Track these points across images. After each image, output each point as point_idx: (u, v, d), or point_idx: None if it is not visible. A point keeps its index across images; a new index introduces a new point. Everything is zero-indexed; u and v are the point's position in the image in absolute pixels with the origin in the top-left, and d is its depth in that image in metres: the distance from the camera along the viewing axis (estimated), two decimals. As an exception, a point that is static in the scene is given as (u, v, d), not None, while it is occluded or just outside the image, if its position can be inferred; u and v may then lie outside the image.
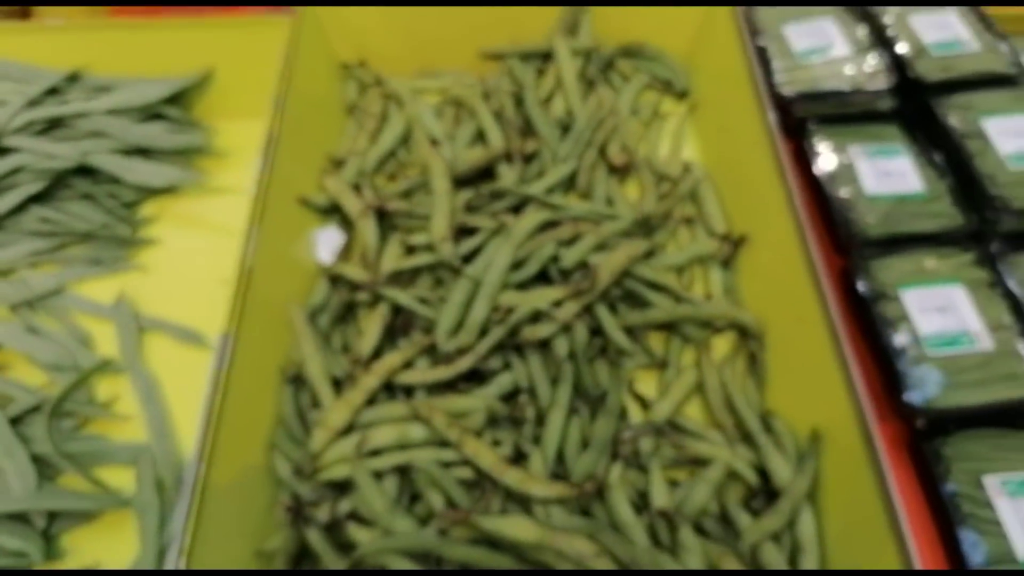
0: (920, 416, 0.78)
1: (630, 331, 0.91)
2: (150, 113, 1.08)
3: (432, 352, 0.87)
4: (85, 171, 1.03)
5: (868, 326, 0.86)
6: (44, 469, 0.81)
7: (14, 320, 0.93)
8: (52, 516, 0.79)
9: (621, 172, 1.07)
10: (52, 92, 1.07)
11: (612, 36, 1.18)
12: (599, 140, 1.07)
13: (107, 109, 1.05)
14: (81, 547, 0.80)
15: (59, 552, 0.78)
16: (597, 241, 0.93)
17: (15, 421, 0.83)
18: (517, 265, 0.92)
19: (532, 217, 0.94)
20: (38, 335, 0.91)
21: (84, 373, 0.88)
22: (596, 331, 0.90)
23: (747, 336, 0.92)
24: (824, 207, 0.96)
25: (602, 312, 0.89)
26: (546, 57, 1.16)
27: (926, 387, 0.78)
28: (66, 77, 1.08)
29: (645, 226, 0.99)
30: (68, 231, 1.00)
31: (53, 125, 1.04)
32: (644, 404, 0.88)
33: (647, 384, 0.90)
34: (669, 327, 0.94)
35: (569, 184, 1.04)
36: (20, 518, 0.78)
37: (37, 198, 1.01)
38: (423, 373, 0.85)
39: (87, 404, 0.87)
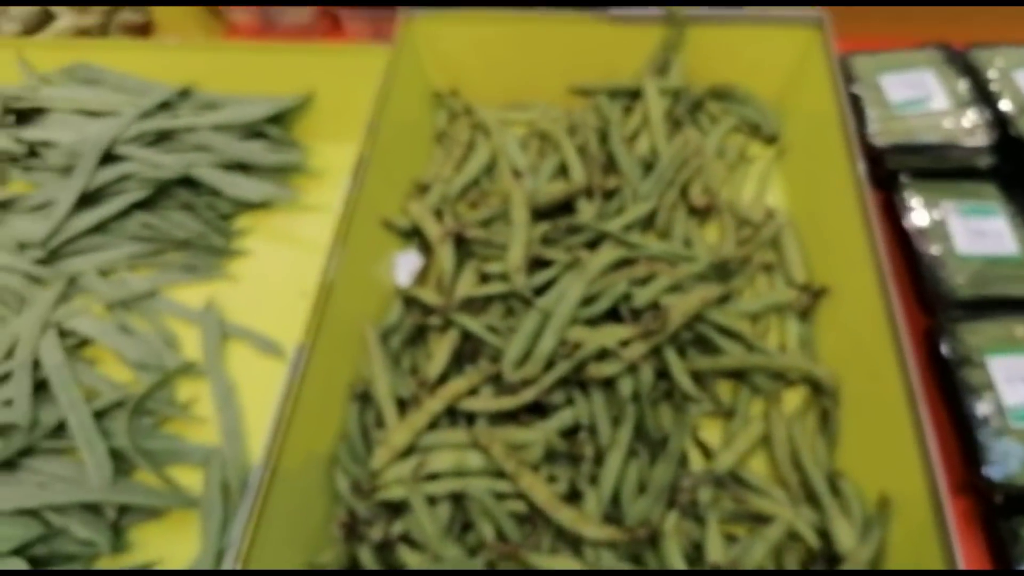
0: (999, 492, 0.73)
1: (698, 377, 0.88)
2: (252, 130, 1.13)
3: (497, 381, 0.87)
4: (188, 182, 1.08)
5: (949, 392, 0.81)
6: (120, 463, 0.84)
7: (109, 318, 0.98)
8: (123, 509, 0.82)
9: (702, 214, 1.05)
10: (164, 106, 1.12)
11: (703, 77, 1.16)
12: (681, 180, 1.05)
13: (213, 125, 1.09)
14: (146, 542, 0.82)
15: (125, 545, 0.81)
16: (671, 282, 0.91)
17: (99, 415, 0.87)
18: (588, 300, 0.90)
19: (607, 254, 0.93)
20: (129, 334, 0.96)
21: (168, 374, 0.91)
22: (663, 374, 0.88)
23: (820, 392, 0.88)
24: (911, 264, 0.92)
25: (670, 355, 0.87)
26: (635, 95, 1.15)
27: (1008, 462, 0.73)
28: (178, 93, 1.14)
29: (722, 270, 0.97)
30: (167, 238, 1.05)
31: (162, 137, 1.09)
32: (707, 452, 0.85)
33: (711, 432, 0.87)
34: (739, 376, 0.90)
35: (648, 223, 1.02)
36: (93, 508, 0.81)
37: (141, 204, 1.06)
38: (486, 401, 0.84)
39: (167, 404, 0.90)
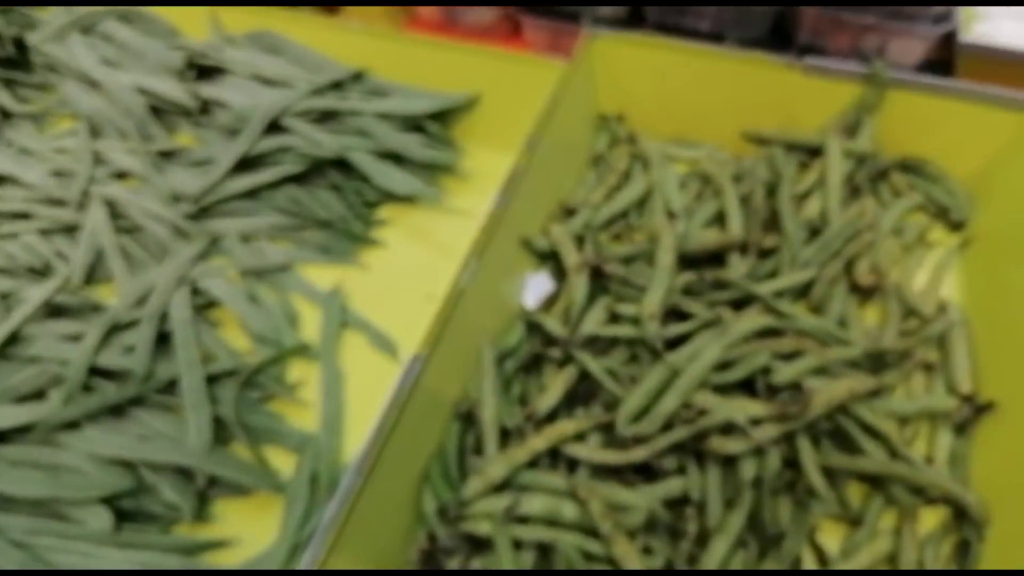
0: None
1: (828, 473, 0.79)
2: (413, 123, 1.11)
3: (608, 430, 0.81)
4: (340, 164, 1.07)
5: None
6: (219, 431, 0.84)
7: (240, 284, 0.99)
8: (212, 479, 0.81)
9: (864, 294, 0.94)
10: (335, 85, 1.13)
11: (893, 145, 1.05)
12: (848, 253, 0.95)
13: (377, 112, 1.09)
14: (228, 516, 0.82)
15: (208, 516, 0.80)
16: (818, 364, 0.82)
17: (211, 379, 0.87)
18: (723, 366, 0.83)
19: (753, 320, 0.85)
20: (256, 304, 0.96)
21: (284, 351, 0.91)
22: (790, 462, 0.79)
23: (964, 519, 0.77)
24: (1106, 400, 0.79)
25: (803, 444, 0.78)
26: (813, 153, 1.05)
27: None
28: (351, 75, 1.14)
29: (877, 360, 0.86)
30: (310, 215, 1.05)
31: (326, 116, 1.09)
32: (822, 558, 0.76)
33: (831, 537, 0.78)
34: (874, 481, 0.80)
35: (801, 292, 0.93)
36: (185, 473, 0.81)
37: (293, 178, 1.07)
38: (592, 451, 0.79)
39: (276, 382, 0.89)
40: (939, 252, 1.00)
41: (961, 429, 0.84)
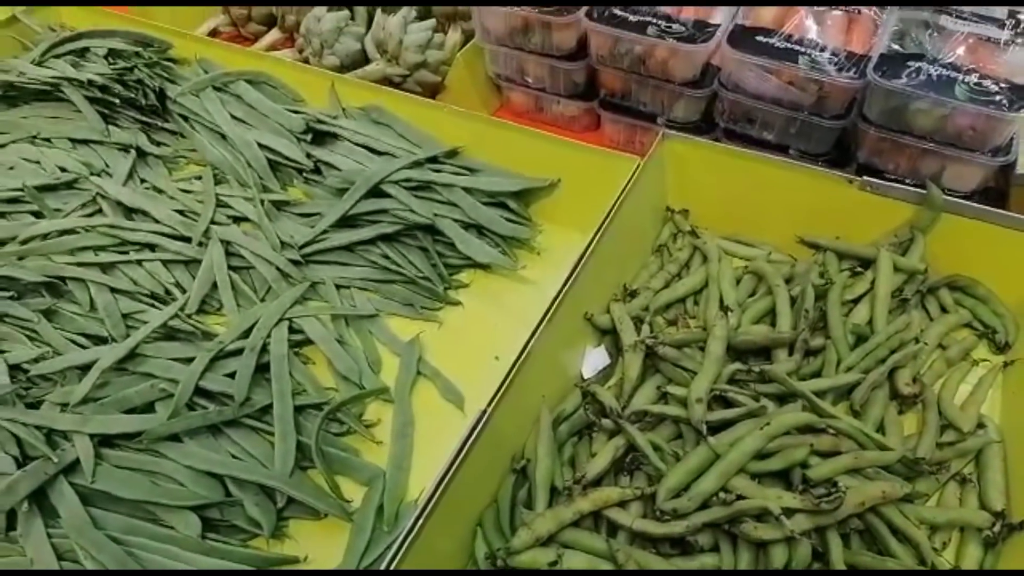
0: None
1: (855, 570, 0.79)
2: (497, 199, 1.17)
3: (649, 501, 0.83)
4: (430, 229, 1.14)
5: None
6: (299, 458, 0.88)
7: (331, 327, 1.05)
8: (290, 500, 0.85)
9: (904, 402, 0.95)
10: (432, 160, 1.20)
11: (944, 264, 1.06)
12: (892, 362, 0.96)
13: (466, 187, 1.15)
14: (298, 536, 0.86)
15: (282, 533, 0.84)
16: (853, 465, 0.83)
17: (297, 410, 0.92)
18: (762, 455, 0.84)
19: (795, 415, 0.86)
20: (343, 346, 1.01)
21: (365, 392, 0.96)
22: (818, 554, 0.80)
23: (987, 633, 0.76)
24: None
25: (833, 539, 0.78)
26: (865, 264, 1.07)
27: None
28: (446, 152, 1.21)
29: (912, 468, 0.87)
30: (398, 272, 1.11)
31: (421, 186, 1.17)
32: (842, 649, 0.76)
33: (854, 631, 0.78)
34: (900, 582, 0.80)
35: (843, 394, 0.95)
36: (268, 492, 0.85)
37: (387, 237, 1.14)
38: (633, 518, 0.81)
39: (354, 419, 0.94)
40: (982, 370, 1.00)
41: (991, 545, 0.83)
